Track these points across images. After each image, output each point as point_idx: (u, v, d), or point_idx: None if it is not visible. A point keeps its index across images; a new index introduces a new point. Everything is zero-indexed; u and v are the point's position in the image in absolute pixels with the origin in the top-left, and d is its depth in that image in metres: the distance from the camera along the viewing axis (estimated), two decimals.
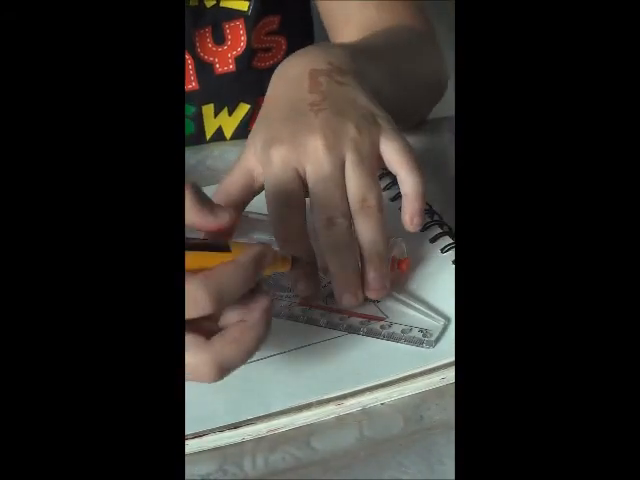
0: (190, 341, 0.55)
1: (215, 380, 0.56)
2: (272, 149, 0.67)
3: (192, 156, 0.89)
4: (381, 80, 0.75)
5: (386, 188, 0.78)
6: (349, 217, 0.66)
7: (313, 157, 0.66)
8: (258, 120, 0.71)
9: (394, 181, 0.78)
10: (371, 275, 0.66)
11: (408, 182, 0.68)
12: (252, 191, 0.69)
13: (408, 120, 0.69)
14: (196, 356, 0.55)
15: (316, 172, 0.66)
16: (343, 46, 0.78)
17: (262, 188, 0.69)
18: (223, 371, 0.55)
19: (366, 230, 0.66)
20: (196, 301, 0.54)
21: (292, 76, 0.72)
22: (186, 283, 0.54)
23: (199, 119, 0.93)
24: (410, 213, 0.68)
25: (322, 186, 0.66)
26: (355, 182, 0.66)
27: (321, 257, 0.66)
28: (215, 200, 0.63)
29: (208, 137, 0.95)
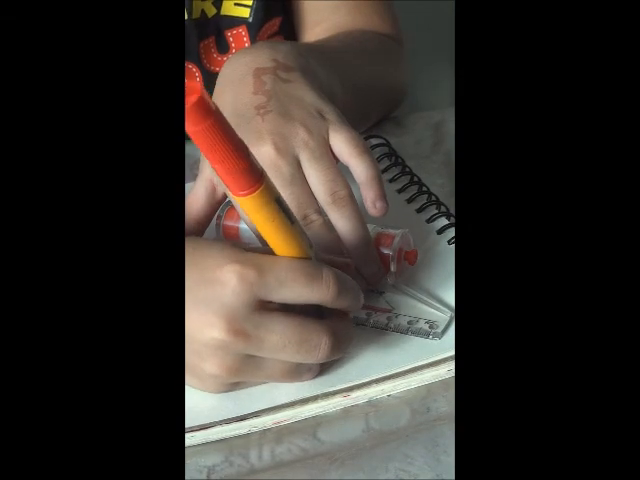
0: (309, 321, 0.59)
1: (332, 354, 0.59)
2: None
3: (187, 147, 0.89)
4: (330, 81, 0.74)
5: (392, 180, 0.78)
6: (321, 213, 0.66)
7: (268, 164, 0.66)
8: None
9: (402, 171, 0.78)
10: (362, 263, 0.66)
11: (360, 170, 0.68)
12: (215, 202, 0.70)
13: (358, 125, 0.69)
14: (315, 330, 0.59)
15: (276, 178, 0.66)
16: (291, 43, 0.77)
17: (225, 197, 0.70)
18: (339, 344, 0.60)
19: (344, 221, 0.66)
20: (328, 288, 0.58)
21: (236, 77, 0.71)
22: (322, 271, 0.58)
23: None
24: (370, 199, 0.68)
25: (288, 190, 0.66)
26: (318, 178, 0.66)
27: None
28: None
29: None
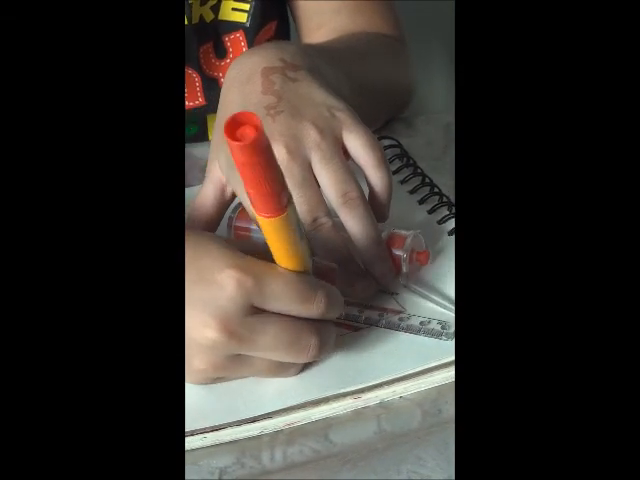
0: (299, 322, 0.60)
1: (319, 354, 0.61)
2: None
3: (197, 150, 0.89)
4: (337, 81, 0.74)
5: (404, 181, 0.78)
6: (330, 215, 0.66)
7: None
8: (218, 130, 0.71)
9: (414, 173, 0.78)
10: (373, 264, 0.67)
11: (373, 180, 0.68)
12: (224, 202, 0.70)
13: (367, 125, 0.69)
14: (305, 331, 0.60)
15: (287, 179, 0.65)
16: (297, 43, 0.77)
17: (233, 197, 0.70)
18: (325, 345, 0.61)
19: (355, 222, 0.66)
20: (319, 308, 0.60)
21: (244, 77, 0.71)
22: (316, 292, 0.60)
23: (203, 123, 0.93)
24: (377, 206, 0.68)
25: (298, 192, 0.66)
26: (329, 180, 0.66)
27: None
28: (192, 215, 0.69)
29: (211, 137, 0.94)
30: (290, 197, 0.57)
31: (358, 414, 0.61)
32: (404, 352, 0.63)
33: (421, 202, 0.76)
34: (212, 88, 0.91)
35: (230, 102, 0.71)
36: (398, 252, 0.68)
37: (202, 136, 0.93)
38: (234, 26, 0.90)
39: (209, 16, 0.89)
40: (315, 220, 0.66)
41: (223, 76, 0.90)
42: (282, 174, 0.56)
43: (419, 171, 0.79)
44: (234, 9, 0.90)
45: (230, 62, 0.89)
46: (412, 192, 0.77)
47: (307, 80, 0.70)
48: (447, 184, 0.78)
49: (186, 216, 0.70)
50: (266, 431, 0.60)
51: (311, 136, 0.67)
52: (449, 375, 0.62)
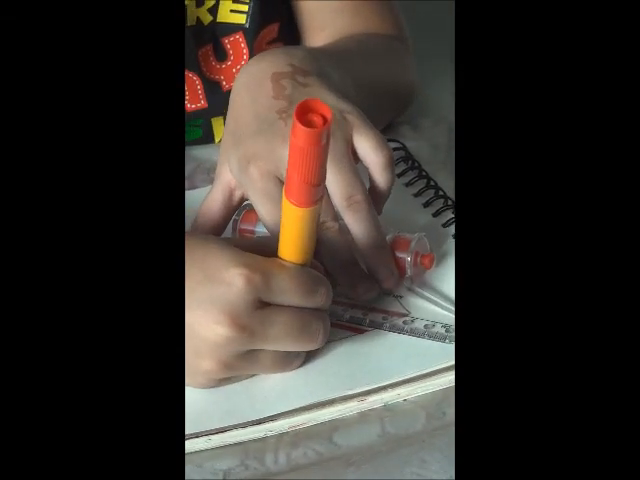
0: (305, 310, 0.61)
1: (324, 339, 0.63)
2: (250, 166, 0.67)
3: (202, 152, 0.89)
4: (344, 84, 0.75)
5: (408, 184, 0.78)
6: (337, 219, 0.67)
7: None
8: (227, 134, 0.71)
9: (418, 175, 0.79)
10: (376, 267, 0.67)
11: (380, 179, 0.69)
12: (232, 205, 0.71)
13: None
14: (312, 317, 0.62)
15: None
16: (304, 48, 0.77)
17: (242, 201, 0.71)
18: (328, 330, 0.63)
19: (359, 225, 0.66)
20: (322, 300, 0.62)
21: (254, 82, 0.71)
22: (319, 285, 0.62)
23: (208, 127, 0.92)
24: (374, 204, 0.69)
25: None
26: (336, 182, 0.66)
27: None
28: (199, 218, 0.70)
29: (217, 140, 0.94)
30: (323, 194, 0.59)
31: (362, 417, 0.61)
32: (408, 355, 0.63)
33: (426, 205, 0.76)
34: (214, 91, 0.90)
35: (240, 106, 0.71)
36: (402, 255, 0.68)
37: (206, 140, 0.93)
38: (233, 28, 0.90)
39: (207, 18, 0.89)
40: (323, 223, 0.66)
41: (225, 79, 0.90)
42: (326, 170, 0.58)
43: (424, 174, 0.79)
44: (232, 11, 0.90)
45: (231, 65, 0.89)
46: (417, 195, 0.77)
47: (316, 85, 0.71)
48: (452, 187, 0.78)
49: (193, 219, 0.71)
50: (271, 433, 0.60)
51: None
52: (453, 378, 0.62)
